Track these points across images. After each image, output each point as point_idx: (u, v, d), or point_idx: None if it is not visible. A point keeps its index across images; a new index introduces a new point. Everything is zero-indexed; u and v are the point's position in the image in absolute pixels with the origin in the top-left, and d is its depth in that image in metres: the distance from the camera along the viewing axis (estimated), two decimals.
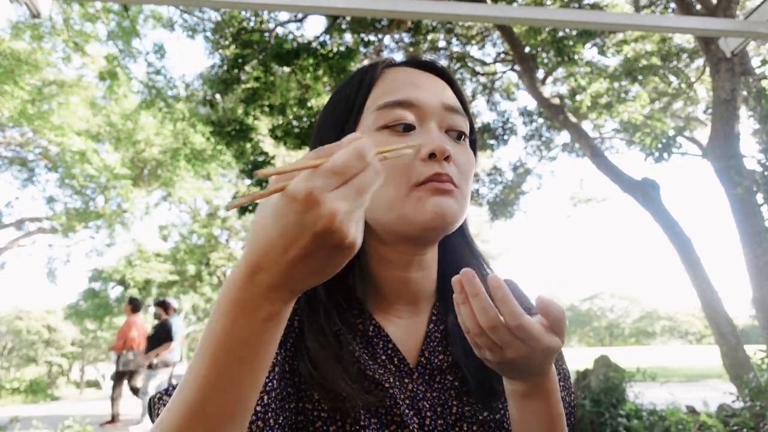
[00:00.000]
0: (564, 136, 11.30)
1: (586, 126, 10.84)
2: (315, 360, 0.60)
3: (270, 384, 0.57)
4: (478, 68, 10.74)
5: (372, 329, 0.67)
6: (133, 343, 7.18)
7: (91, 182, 13.40)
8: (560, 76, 10.53)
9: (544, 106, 8.35)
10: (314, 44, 7.43)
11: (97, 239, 16.12)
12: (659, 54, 9.31)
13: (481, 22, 8.13)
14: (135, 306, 7.62)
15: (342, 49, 7.47)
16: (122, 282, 18.14)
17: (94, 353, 29.46)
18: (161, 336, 6.70)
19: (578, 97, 9.34)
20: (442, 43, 9.88)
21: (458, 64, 10.08)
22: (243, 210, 7.60)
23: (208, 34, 8.74)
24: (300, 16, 8.02)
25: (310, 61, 7.30)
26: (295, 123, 7.85)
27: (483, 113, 11.97)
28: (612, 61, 9.68)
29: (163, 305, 7.06)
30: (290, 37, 7.76)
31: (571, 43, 7.57)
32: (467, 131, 0.68)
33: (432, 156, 0.61)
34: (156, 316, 7.22)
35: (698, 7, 6.34)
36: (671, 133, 7.42)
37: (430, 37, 9.32)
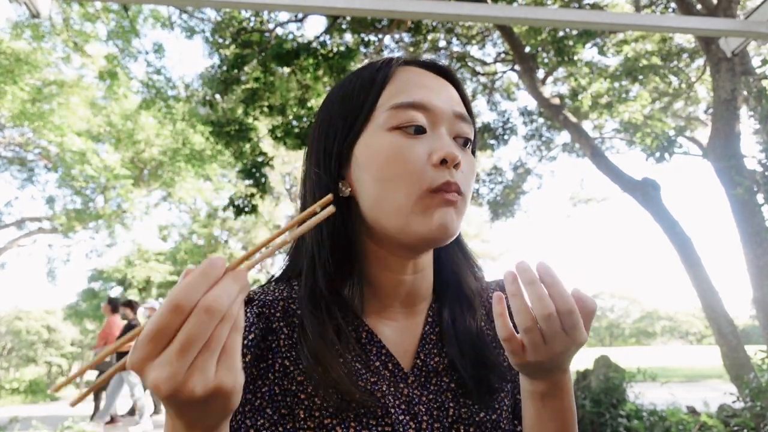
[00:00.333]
0: (564, 136, 11.30)
1: (587, 126, 10.83)
2: (315, 352, 0.60)
3: (264, 413, 0.60)
4: (478, 68, 10.74)
5: (365, 335, 0.66)
6: None
7: (91, 182, 13.41)
8: (560, 76, 10.52)
9: (544, 106, 8.35)
10: (314, 44, 7.42)
11: (97, 239, 16.17)
12: (660, 54, 9.30)
13: (481, 22, 8.12)
14: (114, 306, 7.55)
15: (342, 49, 7.46)
16: (122, 282, 18.14)
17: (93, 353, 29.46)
18: None
19: (579, 97, 9.33)
20: (442, 43, 9.88)
21: (458, 64, 10.08)
22: (240, 211, 7.60)
23: (208, 35, 8.74)
24: (300, 16, 8.01)
25: (310, 61, 7.29)
26: (295, 123, 7.84)
27: (483, 113, 11.97)
28: (612, 61, 9.69)
29: (129, 305, 7.02)
30: (290, 37, 7.75)
31: (571, 43, 7.57)
32: (473, 138, 0.69)
33: (443, 162, 0.61)
34: (123, 316, 7.12)
35: (699, 7, 6.34)
36: (672, 133, 7.42)
37: (430, 37, 9.31)
